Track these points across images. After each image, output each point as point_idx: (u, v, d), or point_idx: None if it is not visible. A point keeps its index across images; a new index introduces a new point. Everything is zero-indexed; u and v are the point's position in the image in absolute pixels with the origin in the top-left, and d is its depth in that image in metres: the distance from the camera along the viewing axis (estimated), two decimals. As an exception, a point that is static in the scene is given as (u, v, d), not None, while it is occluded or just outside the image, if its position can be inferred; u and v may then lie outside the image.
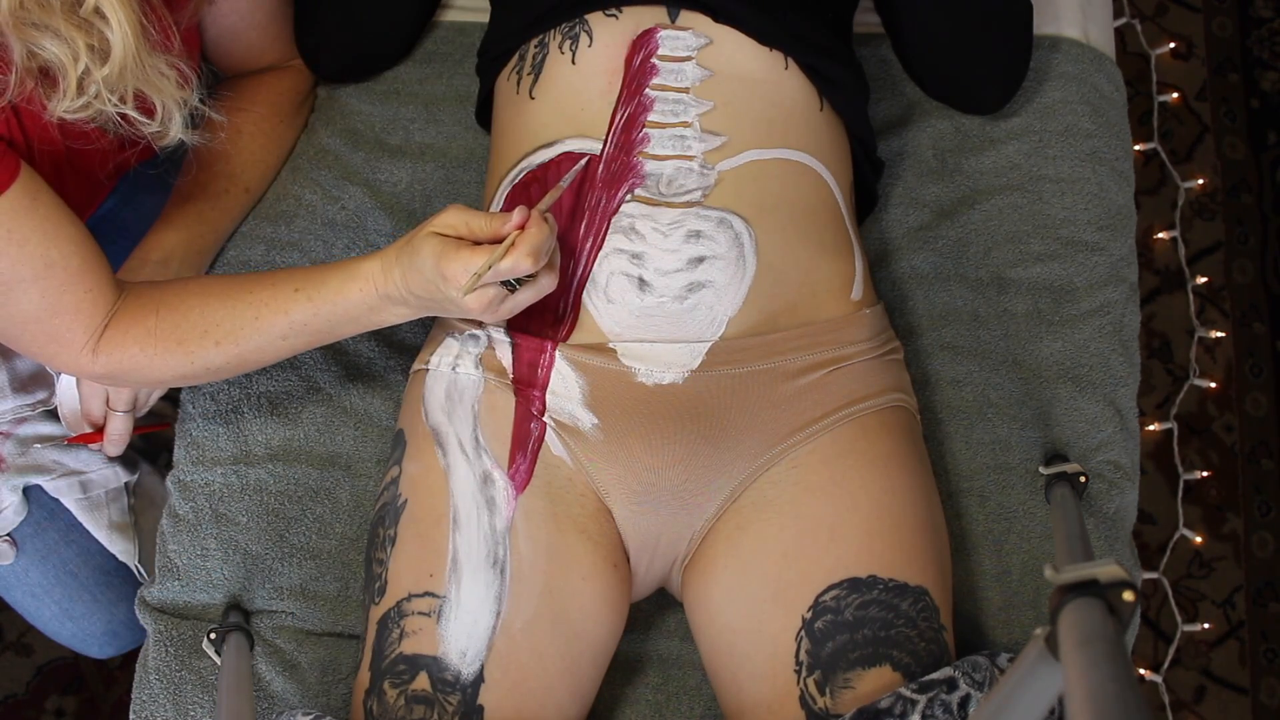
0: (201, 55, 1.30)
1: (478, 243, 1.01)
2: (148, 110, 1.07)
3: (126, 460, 1.37)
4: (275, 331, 1.09)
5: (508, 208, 1.16)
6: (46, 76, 1.02)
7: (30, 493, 1.33)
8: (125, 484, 1.37)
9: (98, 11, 0.99)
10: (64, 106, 1.03)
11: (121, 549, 1.36)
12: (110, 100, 1.03)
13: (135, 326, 1.10)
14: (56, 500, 1.33)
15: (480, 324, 1.15)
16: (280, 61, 1.37)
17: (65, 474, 1.33)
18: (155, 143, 1.11)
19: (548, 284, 1.04)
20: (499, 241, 1.01)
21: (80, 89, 1.02)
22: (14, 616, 1.83)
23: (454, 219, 1.02)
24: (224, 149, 1.29)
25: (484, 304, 1.02)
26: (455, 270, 1.00)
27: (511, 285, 1.03)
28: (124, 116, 1.06)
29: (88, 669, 1.82)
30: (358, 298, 1.07)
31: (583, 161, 1.11)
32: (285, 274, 1.10)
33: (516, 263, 0.99)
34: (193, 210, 1.28)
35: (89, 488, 1.34)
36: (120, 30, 1.00)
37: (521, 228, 1.00)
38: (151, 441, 1.45)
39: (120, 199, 1.40)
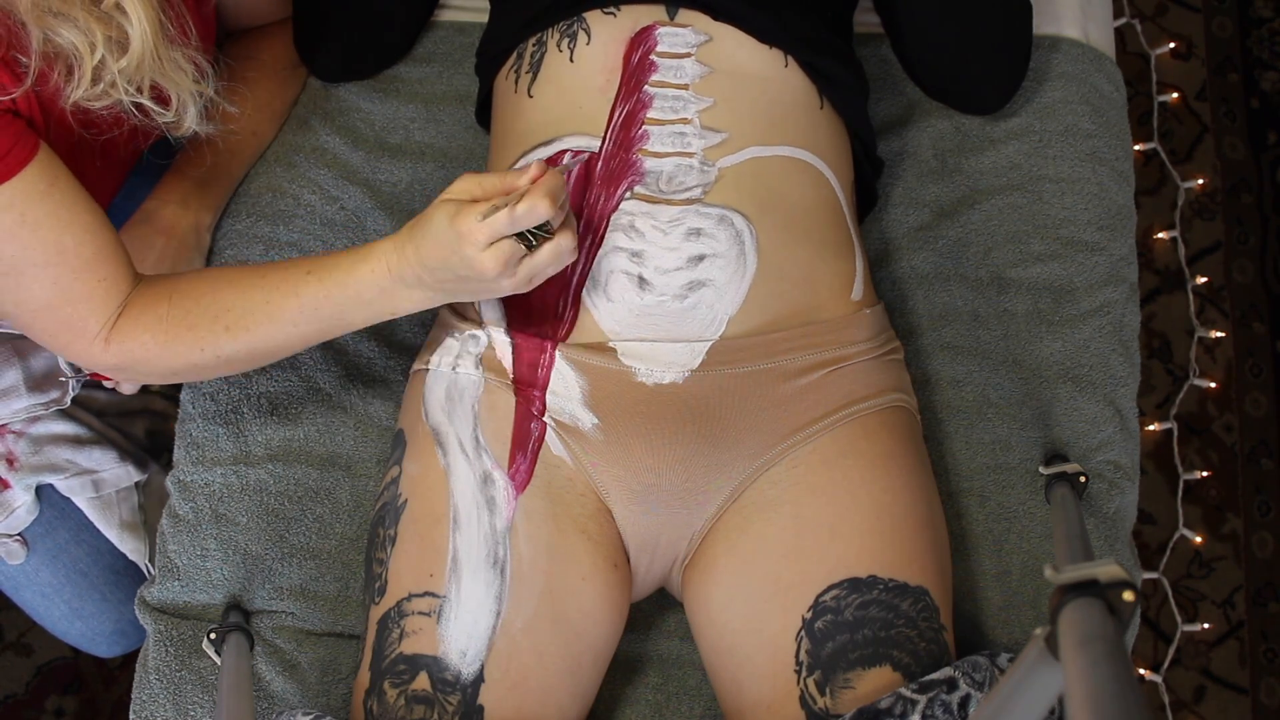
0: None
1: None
2: (163, 100, 1.08)
3: (137, 459, 1.38)
4: (287, 317, 1.08)
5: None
6: (64, 64, 1.03)
7: (41, 492, 1.33)
8: (136, 483, 1.37)
9: (118, 6, 1.01)
10: (79, 94, 1.03)
11: (132, 548, 1.36)
12: (127, 90, 1.04)
13: (147, 314, 1.09)
14: (67, 499, 1.34)
15: (480, 323, 1.15)
16: (283, 16, 1.40)
17: (78, 473, 1.33)
18: (170, 133, 1.12)
19: (567, 244, 1.00)
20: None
21: (95, 78, 1.03)
22: (14, 616, 1.83)
23: (467, 183, 1.00)
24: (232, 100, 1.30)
25: (502, 261, 0.98)
26: (470, 225, 0.97)
27: (529, 242, 0.99)
28: (139, 106, 1.07)
29: (88, 669, 1.82)
30: (369, 279, 1.05)
31: (583, 155, 1.10)
32: (299, 260, 1.10)
33: (534, 204, 0.95)
34: (203, 156, 1.31)
35: (100, 486, 1.34)
36: (139, 26, 1.01)
37: (534, 182, 0.97)
38: (156, 441, 1.45)
39: (124, 194, 1.40)
